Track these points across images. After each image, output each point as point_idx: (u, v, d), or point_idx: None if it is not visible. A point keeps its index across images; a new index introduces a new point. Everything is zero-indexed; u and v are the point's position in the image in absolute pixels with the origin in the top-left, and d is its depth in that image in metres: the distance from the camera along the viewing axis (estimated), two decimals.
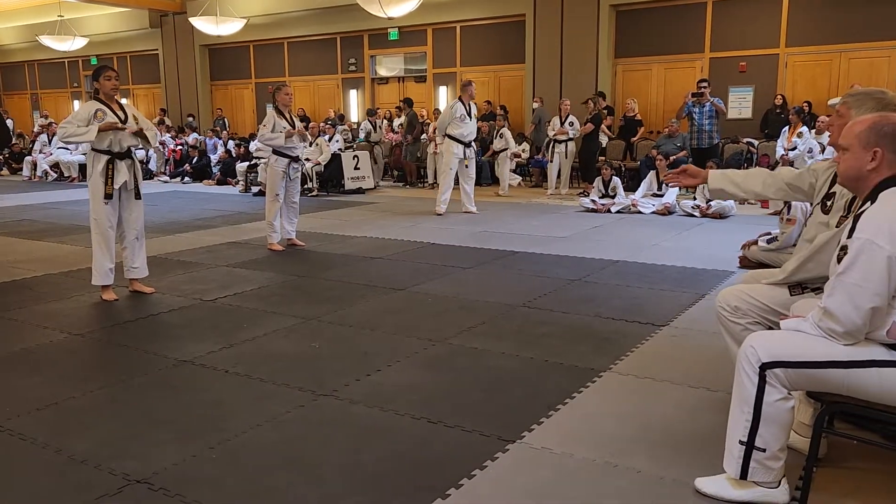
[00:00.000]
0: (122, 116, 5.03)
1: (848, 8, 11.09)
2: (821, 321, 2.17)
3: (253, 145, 13.45)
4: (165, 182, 14.75)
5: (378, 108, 14.97)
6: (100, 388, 3.46)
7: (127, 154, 5.05)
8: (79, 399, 3.33)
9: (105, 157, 4.95)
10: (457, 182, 9.37)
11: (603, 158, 11.77)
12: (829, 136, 2.95)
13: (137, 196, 5.16)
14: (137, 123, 5.10)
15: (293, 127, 6.94)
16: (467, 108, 9.28)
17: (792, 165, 9.20)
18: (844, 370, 2.14)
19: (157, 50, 19.02)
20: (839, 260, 2.14)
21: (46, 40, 18.29)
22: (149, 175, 15.10)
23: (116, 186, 5.00)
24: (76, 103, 20.80)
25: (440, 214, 9.13)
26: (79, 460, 2.72)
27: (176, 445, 2.82)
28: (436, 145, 12.23)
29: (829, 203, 2.75)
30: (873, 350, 2.13)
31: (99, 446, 2.83)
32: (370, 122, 13.84)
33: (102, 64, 5.22)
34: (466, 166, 9.30)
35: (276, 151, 6.93)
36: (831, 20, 11.24)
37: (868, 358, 2.12)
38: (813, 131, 9.82)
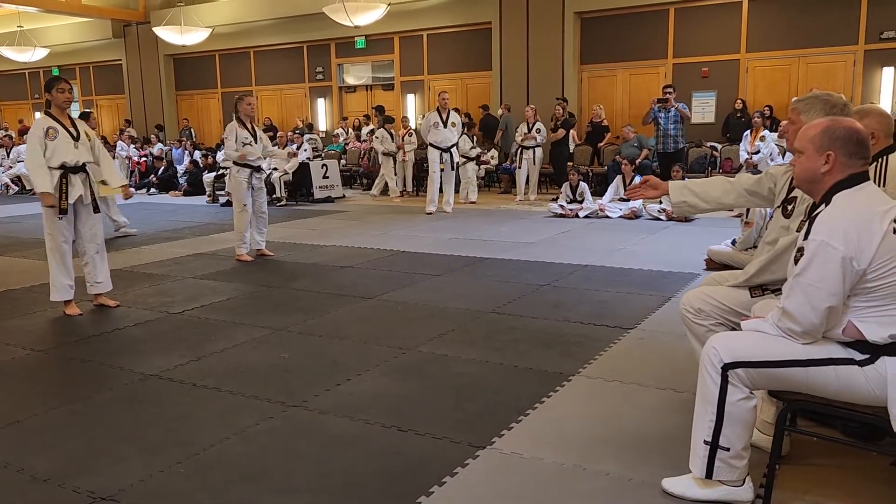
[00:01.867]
0: (74, 133, 4.93)
1: (805, 15, 11.36)
2: (780, 321, 2.22)
3: (220, 155, 13.32)
4: None
5: (387, 116, 13.60)
6: (63, 405, 3.40)
7: (81, 168, 4.95)
8: (41, 416, 3.27)
9: (58, 173, 4.84)
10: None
11: (571, 164, 11.87)
12: (786, 142, 3.02)
13: (95, 210, 5.08)
14: (90, 140, 5.04)
15: (255, 137, 6.94)
16: (442, 117, 9.98)
17: (756, 168, 9.39)
18: (803, 369, 2.19)
19: (120, 60, 18.77)
20: (796, 261, 2.19)
21: (6, 51, 17.94)
22: None
23: (71, 201, 4.90)
24: (37, 115, 20.42)
25: (429, 213, 9.98)
26: (42, 479, 2.67)
27: (142, 461, 2.78)
28: (404, 153, 12.25)
29: (789, 207, 2.80)
30: (830, 348, 2.18)
31: (63, 464, 2.78)
32: (387, 131, 12.38)
33: (55, 76, 5.10)
34: (442, 170, 10.05)
35: (237, 162, 6.89)
36: (789, 26, 11.51)
37: (825, 356, 2.17)
38: (775, 135, 10.02)
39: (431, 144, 10.06)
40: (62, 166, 4.85)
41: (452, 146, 10.07)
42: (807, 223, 2.22)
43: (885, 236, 2.08)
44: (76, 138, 4.92)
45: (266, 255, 7.06)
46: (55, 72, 19.10)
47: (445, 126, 9.96)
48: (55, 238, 4.95)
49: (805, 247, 2.15)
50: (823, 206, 2.20)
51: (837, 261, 2.08)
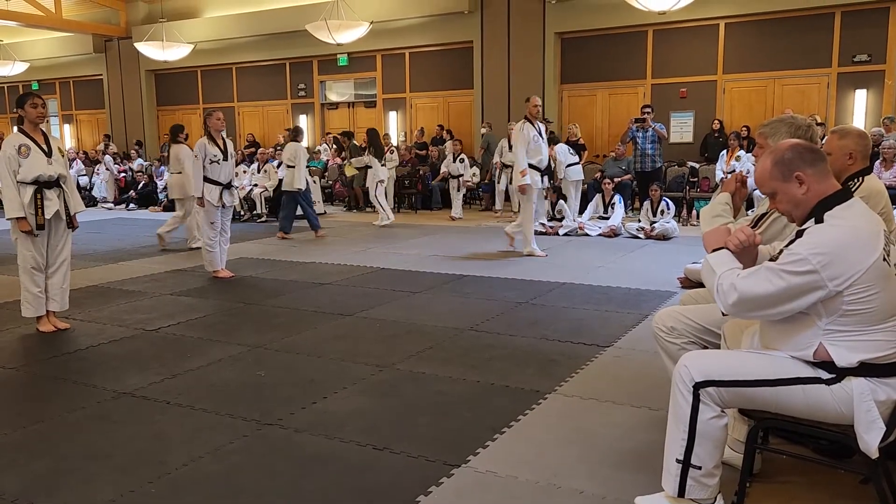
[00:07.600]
0: (47, 149, 4.87)
1: (780, 38, 11.57)
2: (722, 288, 2.19)
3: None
4: (110, 209, 14.43)
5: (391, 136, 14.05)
6: (34, 424, 3.35)
7: (55, 183, 4.90)
8: (10, 435, 3.22)
9: (32, 188, 4.78)
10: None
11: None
12: (755, 168, 3.05)
13: (69, 226, 5.02)
14: (63, 156, 5.01)
15: (224, 153, 6.86)
16: (537, 128, 7.69)
17: None
18: (773, 388, 2.21)
19: (101, 75, 18.67)
20: (772, 259, 2.18)
21: None
22: (92, 202, 14.76)
23: (48, 216, 4.84)
24: (15, 129, 20.23)
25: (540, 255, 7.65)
26: (9, 499, 2.62)
27: (113, 481, 2.75)
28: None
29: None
30: (798, 368, 2.20)
31: (32, 484, 2.74)
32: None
33: (28, 91, 5.05)
34: (546, 197, 8.27)
35: (207, 179, 6.79)
36: (765, 49, 11.71)
37: (794, 376, 2.20)
38: (751, 154, 10.17)
39: (532, 166, 7.59)
40: (36, 181, 4.81)
41: (548, 167, 7.85)
42: (793, 234, 2.20)
43: (874, 262, 2.07)
44: (49, 154, 4.88)
45: (221, 277, 6.85)
46: (35, 86, 18.96)
47: (543, 139, 7.75)
48: (29, 254, 4.88)
49: (785, 252, 2.14)
50: (812, 221, 2.17)
51: (809, 281, 2.08)
